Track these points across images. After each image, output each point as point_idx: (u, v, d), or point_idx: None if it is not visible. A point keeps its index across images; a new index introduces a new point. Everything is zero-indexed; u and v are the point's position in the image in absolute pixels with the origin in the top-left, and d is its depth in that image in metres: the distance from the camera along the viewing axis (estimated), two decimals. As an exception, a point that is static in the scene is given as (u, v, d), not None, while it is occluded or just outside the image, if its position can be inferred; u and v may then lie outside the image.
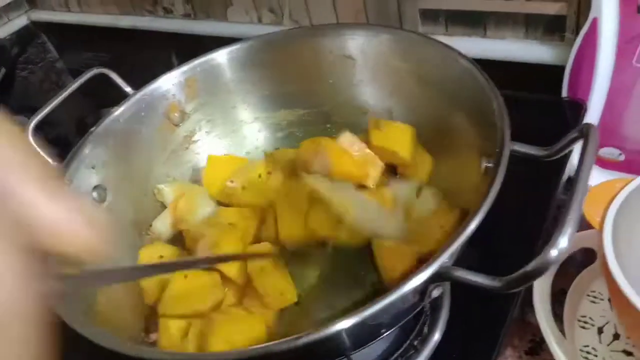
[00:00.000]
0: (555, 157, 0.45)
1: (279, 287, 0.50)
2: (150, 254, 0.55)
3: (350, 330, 0.35)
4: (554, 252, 0.33)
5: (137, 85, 0.61)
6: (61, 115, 0.93)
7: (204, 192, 0.61)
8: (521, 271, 0.34)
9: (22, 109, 0.60)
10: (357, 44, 0.60)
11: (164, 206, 0.60)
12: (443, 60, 0.53)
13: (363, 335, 0.41)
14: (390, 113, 0.60)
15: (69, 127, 0.95)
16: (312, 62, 0.62)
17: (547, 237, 0.54)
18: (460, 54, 0.52)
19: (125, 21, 1.18)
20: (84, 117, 0.91)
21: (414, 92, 0.57)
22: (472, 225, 0.37)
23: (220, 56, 0.63)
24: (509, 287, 0.35)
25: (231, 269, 0.51)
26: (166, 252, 0.56)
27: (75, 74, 1.07)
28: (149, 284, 0.52)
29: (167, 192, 0.60)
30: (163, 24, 1.12)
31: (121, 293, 0.51)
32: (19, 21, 1.37)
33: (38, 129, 0.58)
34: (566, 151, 0.44)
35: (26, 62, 1.31)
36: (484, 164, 0.45)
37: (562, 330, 0.52)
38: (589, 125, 0.41)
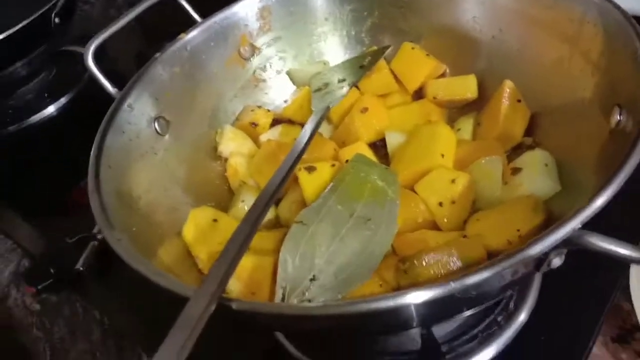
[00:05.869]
0: None
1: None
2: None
3: (439, 301, 0.29)
4: None
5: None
6: (119, 47, 0.89)
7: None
8: None
9: (83, 41, 0.55)
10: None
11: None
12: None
13: (452, 306, 0.35)
14: (492, 57, 0.54)
15: (126, 61, 0.90)
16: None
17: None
18: None
19: None
20: (144, 50, 0.87)
21: (521, 35, 0.50)
22: (615, 184, 0.30)
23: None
24: None
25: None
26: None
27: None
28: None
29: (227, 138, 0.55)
30: None
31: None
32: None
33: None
34: None
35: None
36: (616, 117, 0.38)
37: (662, 320, 0.45)
38: None
